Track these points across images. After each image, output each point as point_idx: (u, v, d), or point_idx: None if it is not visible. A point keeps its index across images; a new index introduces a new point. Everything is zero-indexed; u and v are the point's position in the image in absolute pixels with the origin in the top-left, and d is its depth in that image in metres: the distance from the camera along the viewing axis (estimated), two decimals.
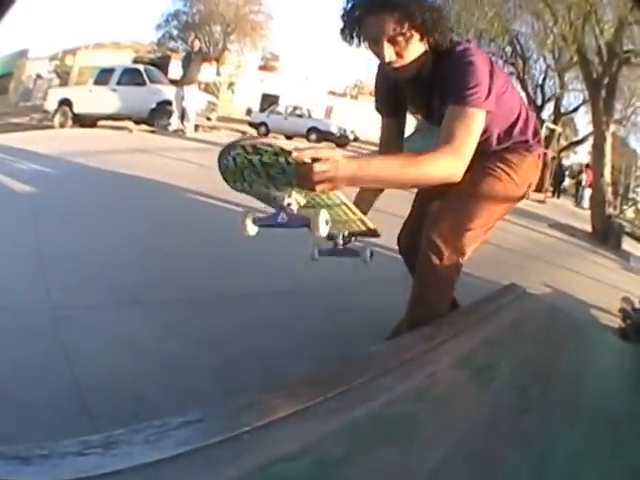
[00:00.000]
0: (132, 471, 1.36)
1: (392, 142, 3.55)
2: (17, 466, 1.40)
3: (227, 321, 3.74)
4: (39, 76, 43.63)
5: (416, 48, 2.82)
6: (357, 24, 2.80)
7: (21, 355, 3.04)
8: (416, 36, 2.78)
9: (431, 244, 3.08)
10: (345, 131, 32.30)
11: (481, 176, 3.10)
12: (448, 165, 2.59)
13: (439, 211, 3.20)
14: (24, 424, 2.35)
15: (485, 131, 2.89)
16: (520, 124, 3.28)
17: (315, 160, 2.25)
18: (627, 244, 15.21)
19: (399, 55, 2.81)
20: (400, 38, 2.75)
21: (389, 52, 2.78)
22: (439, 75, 2.92)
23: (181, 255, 5.23)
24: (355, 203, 3.16)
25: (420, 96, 3.20)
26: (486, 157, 3.12)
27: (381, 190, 3.53)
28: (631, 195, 44.80)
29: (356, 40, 2.88)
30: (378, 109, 3.58)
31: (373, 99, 3.59)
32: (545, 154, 16.02)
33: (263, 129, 32.01)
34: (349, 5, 2.83)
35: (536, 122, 3.51)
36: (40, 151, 10.44)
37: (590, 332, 4.17)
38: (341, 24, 2.87)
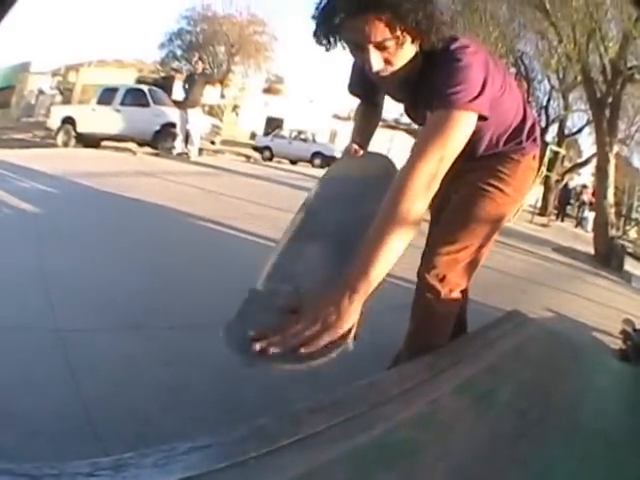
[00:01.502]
0: None
1: (367, 130, 3.34)
2: None
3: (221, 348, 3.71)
4: (41, 91, 43.74)
5: (408, 52, 2.43)
6: (335, 27, 2.35)
7: (27, 375, 3.05)
8: (408, 39, 2.36)
9: (424, 283, 2.93)
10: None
11: (472, 198, 2.85)
12: (417, 194, 2.17)
13: (432, 244, 3.02)
14: (30, 443, 2.39)
15: (474, 134, 2.46)
16: (516, 126, 3.04)
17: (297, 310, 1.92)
18: (630, 265, 15.21)
19: (388, 62, 2.42)
20: (390, 43, 2.33)
21: (377, 60, 2.38)
22: (426, 76, 2.54)
23: (184, 279, 5.23)
24: (353, 140, 3.21)
25: (405, 97, 2.95)
26: (475, 168, 2.94)
27: (376, 125, 3.41)
28: (634, 215, 44.68)
29: (334, 44, 2.45)
30: (352, 92, 3.23)
31: (379, 124, 3.37)
32: (548, 177, 16.02)
33: (267, 153, 32.34)
34: (323, 3, 2.35)
35: (534, 119, 3.22)
36: (44, 170, 10.49)
37: (590, 355, 4.13)
38: (314, 26, 2.41)
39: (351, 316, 1.87)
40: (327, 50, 2.48)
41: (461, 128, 2.31)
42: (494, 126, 2.83)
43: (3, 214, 6.92)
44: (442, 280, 2.92)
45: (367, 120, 3.34)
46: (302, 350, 1.69)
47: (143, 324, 4.10)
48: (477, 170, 2.80)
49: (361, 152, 3.11)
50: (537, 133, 3.18)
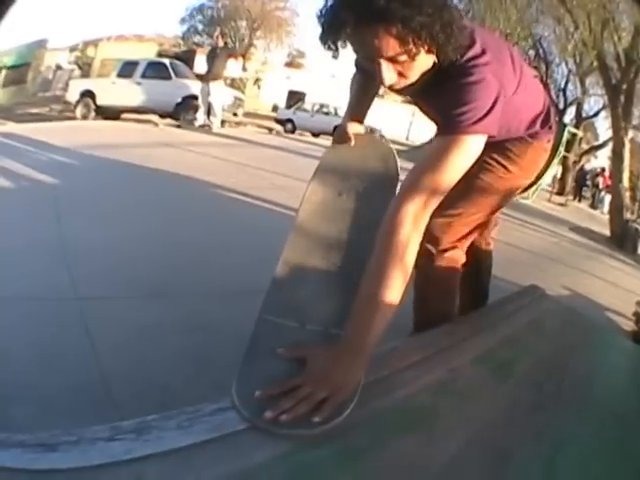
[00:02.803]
0: (163, 456, 1.43)
1: (365, 102, 3.26)
2: (41, 453, 1.46)
3: (249, 315, 3.71)
4: (59, 67, 43.60)
5: (423, 63, 2.24)
6: (342, 36, 2.15)
7: (47, 344, 3.11)
8: (422, 51, 2.15)
9: (423, 249, 2.50)
10: (372, 130, 32.36)
11: (473, 169, 2.40)
12: (411, 224, 2.07)
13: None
14: (48, 413, 2.42)
15: None
16: (530, 116, 2.90)
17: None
18: None
19: (401, 75, 2.24)
20: (402, 57, 2.14)
21: (389, 74, 2.20)
22: (436, 86, 2.34)
23: (206, 249, 5.23)
24: (349, 113, 3.17)
25: (414, 96, 2.81)
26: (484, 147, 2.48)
27: (375, 94, 3.28)
28: None
29: (341, 49, 2.23)
30: (358, 64, 2.97)
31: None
32: (566, 158, 15.90)
33: (290, 126, 32.04)
34: (328, 6, 2.13)
35: (550, 106, 3.07)
36: (64, 143, 10.35)
37: (604, 334, 4.14)
38: (319, 28, 2.18)
39: (357, 376, 1.87)
40: (335, 57, 2.29)
41: (465, 153, 2.23)
42: (506, 124, 2.63)
43: (23, 187, 6.93)
44: (435, 242, 2.92)
45: (365, 90, 3.19)
46: (316, 419, 1.66)
47: (165, 293, 4.13)
48: (485, 146, 2.43)
49: (353, 138, 3.00)
50: (552, 120, 3.08)
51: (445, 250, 2.97)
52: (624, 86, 15.77)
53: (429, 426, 1.87)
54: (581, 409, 2.41)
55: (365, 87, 3.13)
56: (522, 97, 2.61)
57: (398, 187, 2.50)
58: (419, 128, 42.21)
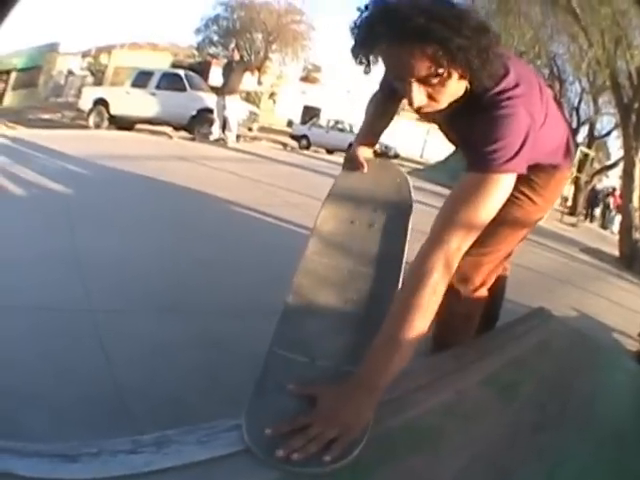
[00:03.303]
0: (182, 469, 1.49)
1: (381, 123, 3.21)
2: (60, 464, 1.51)
3: (262, 333, 3.71)
4: (71, 72, 43.70)
5: (455, 88, 2.19)
6: (376, 52, 2.12)
7: (61, 355, 3.15)
8: (455, 75, 2.11)
9: (453, 288, 2.71)
10: (387, 147, 32.23)
11: (503, 206, 2.28)
12: (442, 270, 2.04)
13: None
14: (63, 425, 2.46)
15: None
16: (553, 149, 2.85)
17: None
18: None
19: (432, 98, 2.18)
20: (435, 80, 2.09)
21: (419, 96, 2.14)
22: (467, 114, 2.30)
23: (218, 266, 5.26)
24: (364, 133, 3.17)
25: (443, 123, 2.76)
26: None
27: (392, 118, 3.20)
28: None
29: (369, 66, 2.19)
30: (384, 83, 2.90)
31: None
32: (578, 178, 15.81)
33: (304, 142, 32.34)
34: (363, 20, 2.08)
35: (571, 141, 3.05)
36: (78, 152, 10.40)
37: (610, 355, 4.15)
38: (354, 41, 2.13)
39: (369, 415, 1.85)
40: (366, 73, 2.23)
41: (497, 192, 2.18)
42: (534, 157, 2.52)
43: (37, 195, 6.98)
44: (465, 282, 2.91)
45: (383, 112, 3.15)
46: (327, 458, 1.64)
47: (177, 308, 4.15)
48: None
49: (365, 164, 2.95)
50: (572, 150, 3.12)
51: (474, 290, 2.99)
52: (636, 105, 15.64)
53: (436, 445, 1.93)
54: (582, 429, 2.45)
55: (384, 109, 3.12)
56: (547, 129, 2.57)
57: (411, 214, 2.61)
58: (434, 146, 42.27)
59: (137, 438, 1.62)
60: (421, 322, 1.97)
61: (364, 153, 3.03)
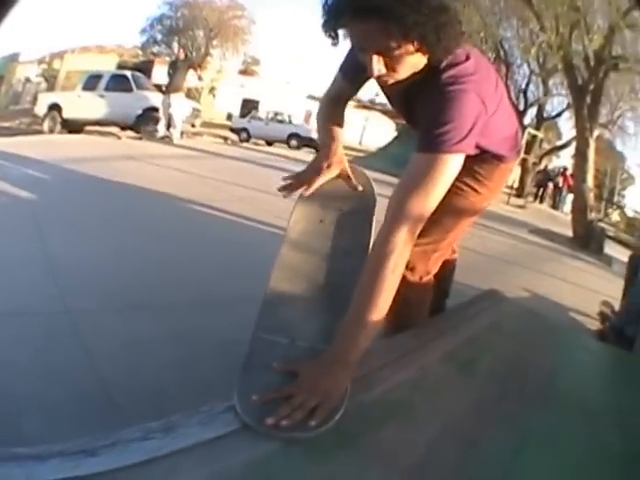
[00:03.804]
0: (192, 449, 1.66)
1: (337, 102, 3.18)
2: (81, 460, 1.61)
3: (227, 323, 3.87)
4: (28, 80, 43.53)
5: (413, 61, 2.30)
6: (338, 26, 2.27)
7: (44, 357, 3.29)
8: (412, 48, 2.22)
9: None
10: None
11: (445, 196, 2.42)
12: (399, 252, 2.22)
13: None
14: (56, 424, 2.58)
15: None
16: (502, 140, 2.95)
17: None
18: (611, 248, 15.28)
19: (391, 69, 2.29)
20: (393, 52, 2.21)
21: (378, 66, 2.25)
22: (424, 89, 2.42)
23: (179, 262, 5.42)
24: (325, 143, 3.10)
25: (399, 97, 2.78)
26: None
27: (342, 126, 3.18)
28: (617, 199, 44.43)
29: (336, 39, 2.34)
30: (342, 68, 2.96)
31: (352, 104, 3.13)
32: (525, 160, 15.74)
33: (244, 135, 32.32)
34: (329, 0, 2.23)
35: (520, 136, 3.22)
36: (34, 157, 10.52)
37: (565, 333, 4.28)
38: (322, 17, 2.28)
39: (345, 383, 2.04)
40: (334, 45, 2.37)
41: (447, 172, 2.32)
42: (481, 142, 2.66)
43: (1, 202, 7.04)
44: (412, 270, 3.00)
45: (334, 120, 3.17)
46: (312, 423, 1.83)
47: (146, 304, 4.32)
48: None
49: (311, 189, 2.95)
50: (520, 143, 3.26)
51: (421, 277, 3.11)
52: (591, 86, 15.68)
53: (407, 417, 2.12)
54: (546, 402, 2.62)
55: (334, 116, 3.18)
56: (498, 119, 2.67)
57: (374, 211, 2.76)
58: (372, 133, 42.26)
59: (146, 426, 1.78)
60: (383, 300, 2.17)
61: (333, 168, 3.03)
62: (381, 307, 2.17)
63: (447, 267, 3.58)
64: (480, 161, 2.90)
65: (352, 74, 2.88)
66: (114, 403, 2.94)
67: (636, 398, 3.12)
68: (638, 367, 4.05)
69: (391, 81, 2.36)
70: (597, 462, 2.23)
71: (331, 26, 2.26)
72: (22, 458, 1.63)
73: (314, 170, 3.03)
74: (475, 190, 3.06)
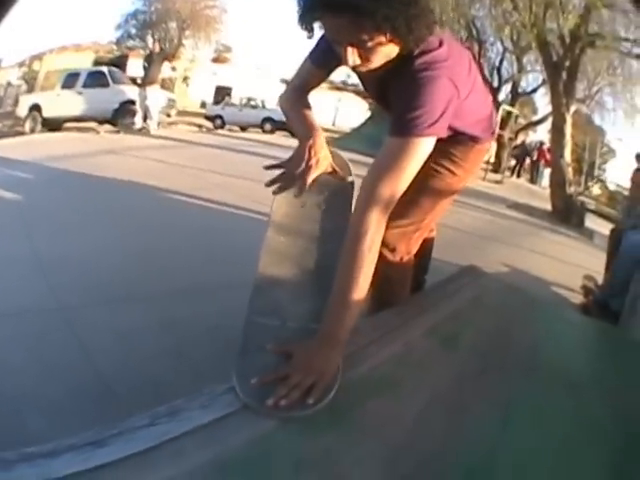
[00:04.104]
0: (196, 431, 1.79)
1: (306, 91, 3.20)
2: (91, 452, 1.66)
3: (213, 310, 4.02)
4: (9, 84, 43.29)
5: (386, 51, 2.35)
6: (313, 20, 2.32)
7: (40, 353, 3.37)
8: (383, 39, 2.27)
9: (381, 255, 2.69)
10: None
11: (423, 178, 2.66)
12: (374, 231, 2.32)
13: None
14: (58, 416, 2.66)
15: None
16: (476, 122, 3.04)
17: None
18: (592, 222, 15.21)
19: (365, 59, 2.35)
20: (366, 44, 2.27)
21: (352, 57, 2.32)
22: (396, 76, 2.49)
23: (163, 252, 5.57)
24: (306, 134, 3.01)
25: (373, 83, 2.85)
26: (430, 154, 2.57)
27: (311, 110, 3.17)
28: (597, 172, 44.30)
29: (311, 31, 2.41)
30: (312, 55, 3.01)
31: (325, 85, 3.16)
32: (501, 135, 15.60)
33: (219, 121, 32.25)
34: None
35: (494, 116, 3.33)
36: (17, 158, 10.56)
37: (547, 307, 4.31)
38: (297, 11, 2.34)
39: (336, 362, 2.17)
40: (309, 38, 2.47)
41: (417, 155, 2.39)
42: (454, 124, 2.76)
43: None
44: (393, 250, 3.13)
45: (307, 108, 3.17)
46: (310, 401, 1.96)
47: (134, 296, 4.43)
48: (432, 151, 2.56)
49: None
50: (494, 125, 3.34)
51: (402, 257, 3.22)
52: (567, 63, 15.64)
53: (394, 391, 2.24)
54: (528, 374, 2.72)
55: (303, 105, 3.18)
56: (471, 102, 2.74)
57: (354, 194, 2.77)
58: (345, 113, 42.08)
59: (152, 412, 1.88)
60: (363, 278, 2.27)
61: (322, 160, 2.94)
62: (361, 285, 2.27)
63: (425, 245, 3.67)
64: (455, 143, 3.00)
65: (323, 61, 2.93)
66: (113, 393, 3.03)
67: (621, 370, 3.18)
68: (623, 340, 4.10)
69: (365, 69, 2.42)
70: (582, 432, 2.31)
71: (306, 20, 2.32)
72: (32, 458, 1.66)
73: (303, 167, 2.93)
74: (451, 172, 3.16)
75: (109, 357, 3.42)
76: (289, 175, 2.94)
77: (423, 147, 2.40)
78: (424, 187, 2.91)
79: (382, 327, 2.80)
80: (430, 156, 2.50)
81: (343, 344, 2.24)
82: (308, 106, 3.19)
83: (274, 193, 2.96)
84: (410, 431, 2.03)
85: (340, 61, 2.55)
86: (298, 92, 3.19)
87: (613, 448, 2.25)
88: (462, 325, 3.16)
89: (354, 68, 2.42)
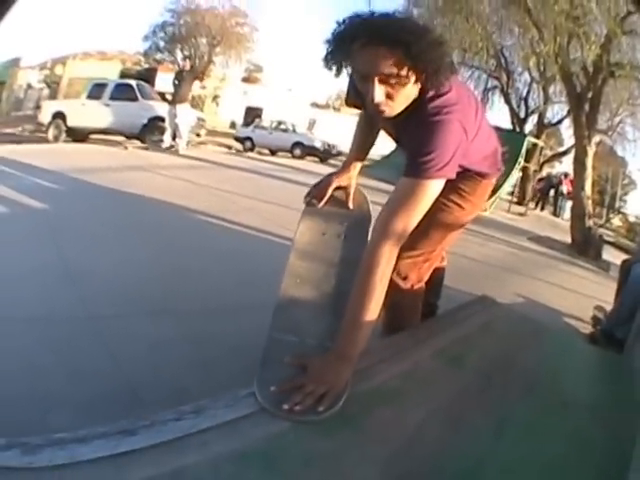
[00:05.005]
0: (220, 426, 2.01)
1: (365, 145, 3.58)
2: (122, 439, 1.84)
3: (242, 328, 4.14)
4: (30, 86, 43.30)
5: (409, 92, 2.56)
6: (349, 53, 2.47)
7: (70, 359, 3.53)
8: (412, 79, 2.49)
9: (394, 283, 3.04)
10: (329, 146, 32.07)
11: (433, 211, 2.77)
12: (385, 263, 2.53)
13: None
14: (86, 419, 2.57)
15: None
16: (482, 159, 3.27)
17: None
18: (610, 254, 15.24)
19: (389, 97, 2.52)
20: (395, 80, 2.45)
21: (379, 92, 2.47)
22: (410, 120, 2.67)
23: (192, 271, 5.71)
24: (352, 153, 3.56)
25: (391, 126, 3.08)
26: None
27: (375, 136, 3.55)
28: (618, 204, 44.16)
29: (343, 69, 2.59)
30: (349, 103, 3.26)
31: (356, 111, 3.44)
32: (526, 168, 15.74)
33: (249, 144, 32.42)
34: (341, 28, 2.49)
35: (498, 152, 3.50)
36: (44, 166, 10.68)
37: (554, 334, 4.43)
38: (326, 48, 2.54)
39: (346, 376, 2.38)
40: (336, 76, 2.60)
41: (428, 195, 2.59)
42: (462, 164, 2.95)
43: (17, 211, 7.27)
44: (405, 279, 3.36)
45: (366, 132, 3.52)
46: (320, 408, 2.18)
47: (165, 310, 4.57)
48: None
49: (324, 201, 3.36)
50: (500, 162, 3.53)
51: (413, 285, 3.44)
52: (589, 94, 15.78)
53: (400, 402, 2.46)
54: (528, 395, 2.88)
55: (366, 129, 3.52)
56: (478, 142, 2.96)
57: (371, 227, 3.05)
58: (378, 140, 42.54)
59: (180, 408, 2.08)
60: (373, 304, 2.48)
61: (342, 179, 3.44)
62: (372, 310, 2.49)
63: (437, 273, 3.91)
64: (463, 179, 3.20)
65: (361, 104, 3.07)
66: (140, 401, 3.18)
67: (619, 396, 3.29)
68: (624, 367, 4.19)
69: (387, 113, 2.61)
70: (574, 451, 2.44)
71: (340, 54, 2.52)
72: (63, 442, 1.80)
73: (328, 181, 3.40)
74: (460, 206, 3.38)
75: (137, 366, 3.58)
76: (320, 190, 3.38)
77: (434, 188, 2.60)
78: (434, 221, 3.08)
79: (393, 347, 3.04)
80: (441, 191, 2.69)
81: (353, 361, 2.45)
82: (369, 134, 3.54)
83: (308, 204, 3.37)
84: (410, 437, 2.22)
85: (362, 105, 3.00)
86: (368, 119, 3.42)
87: (602, 470, 2.35)
88: (469, 348, 3.34)
89: (377, 107, 2.57)
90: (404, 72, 2.43)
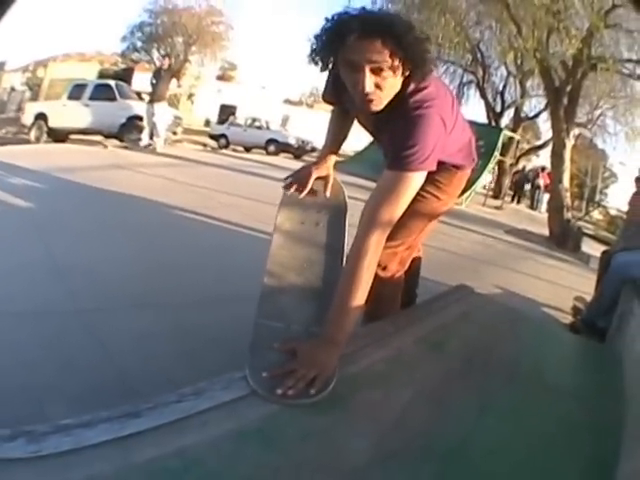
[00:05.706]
0: (218, 407, 2.11)
1: (340, 136, 3.67)
2: (127, 421, 1.90)
3: (224, 320, 4.27)
4: (13, 88, 43.27)
5: (395, 83, 2.67)
6: (341, 47, 2.56)
7: (61, 351, 3.61)
8: (399, 71, 2.62)
9: (375, 273, 2.92)
10: (303, 142, 32.25)
11: (411, 203, 2.84)
12: (372, 252, 2.64)
13: None
14: (81, 409, 2.82)
15: None
16: (457, 151, 3.39)
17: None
18: (590, 247, 15.32)
19: (378, 87, 2.62)
20: (385, 72, 2.58)
21: (370, 82, 2.57)
22: (392, 114, 2.78)
23: (174, 265, 5.82)
24: (326, 145, 3.63)
25: (369, 119, 3.17)
26: None
27: (348, 129, 3.66)
28: (598, 197, 44.19)
29: (327, 63, 2.75)
30: (326, 99, 3.48)
31: (329, 108, 3.60)
32: (502, 161, 15.76)
33: (223, 141, 32.48)
34: (333, 24, 2.60)
35: (473, 145, 3.61)
36: (27, 166, 10.72)
37: (534, 323, 4.54)
38: (314, 44, 2.67)
39: (336, 360, 2.47)
40: (322, 70, 2.79)
41: (411, 187, 2.73)
42: (440, 156, 2.99)
43: (3, 210, 7.32)
44: (384, 269, 3.44)
45: (340, 125, 3.62)
46: (312, 391, 2.26)
47: (148, 303, 4.70)
48: None
49: (305, 191, 3.41)
50: (474, 153, 3.64)
51: (393, 274, 3.57)
52: (568, 88, 15.97)
53: (385, 385, 2.57)
54: (509, 378, 3.01)
55: (340, 122, 3.63)
56: (454, 135, 3.11)
57: (347, 215, 3.26)
58: (349, 137, 42.56)
59: (180, 391, 2.17)
60: (361, 291, 2.60)
61: (321, 170, 3.51)
62: (360, 297, 2.61)
63: (415, 264, 4.05)
64: (440, 170, 3.21)
65: (337, 100, 3.34)
66: (133, 390, 3.25)
67: (602, 383, 3.39)
68: (606, 355, 4.30)
69: (374, 103, 2.70)
70: (555, 429, 2.54)
71: (330, 49, 2.66)
72: (68, 428, 1.82)
73: (308, 171, 3.47)
74: (436, 197, 3.50)
75: (127, 358, 3.68)
76: (299, 180, 3.44)
77: (416, 180, 2.74)
78: (412, 211, 3.09)
79: (376, 333, 3.15)
80: None
81: (342, 345, 2.56)
82: (343, 126, 3.65)
83: (289, 193, 3.41)
84: (398, 416, 2.34)
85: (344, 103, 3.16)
86: (341, 111, 3.53)
87: (585, 448, 2.46)
88: (449, 336, 3.45)
89: (366, 101, 2.69)
90: (396, 63, 2.56)
